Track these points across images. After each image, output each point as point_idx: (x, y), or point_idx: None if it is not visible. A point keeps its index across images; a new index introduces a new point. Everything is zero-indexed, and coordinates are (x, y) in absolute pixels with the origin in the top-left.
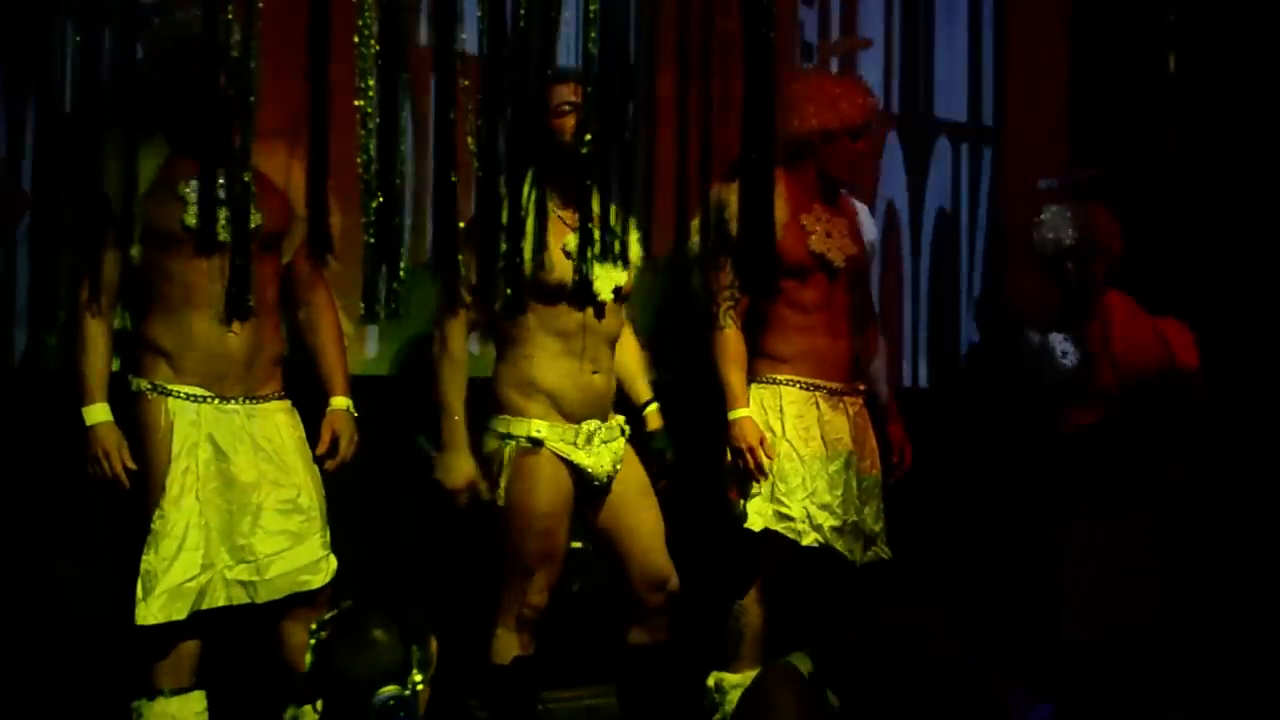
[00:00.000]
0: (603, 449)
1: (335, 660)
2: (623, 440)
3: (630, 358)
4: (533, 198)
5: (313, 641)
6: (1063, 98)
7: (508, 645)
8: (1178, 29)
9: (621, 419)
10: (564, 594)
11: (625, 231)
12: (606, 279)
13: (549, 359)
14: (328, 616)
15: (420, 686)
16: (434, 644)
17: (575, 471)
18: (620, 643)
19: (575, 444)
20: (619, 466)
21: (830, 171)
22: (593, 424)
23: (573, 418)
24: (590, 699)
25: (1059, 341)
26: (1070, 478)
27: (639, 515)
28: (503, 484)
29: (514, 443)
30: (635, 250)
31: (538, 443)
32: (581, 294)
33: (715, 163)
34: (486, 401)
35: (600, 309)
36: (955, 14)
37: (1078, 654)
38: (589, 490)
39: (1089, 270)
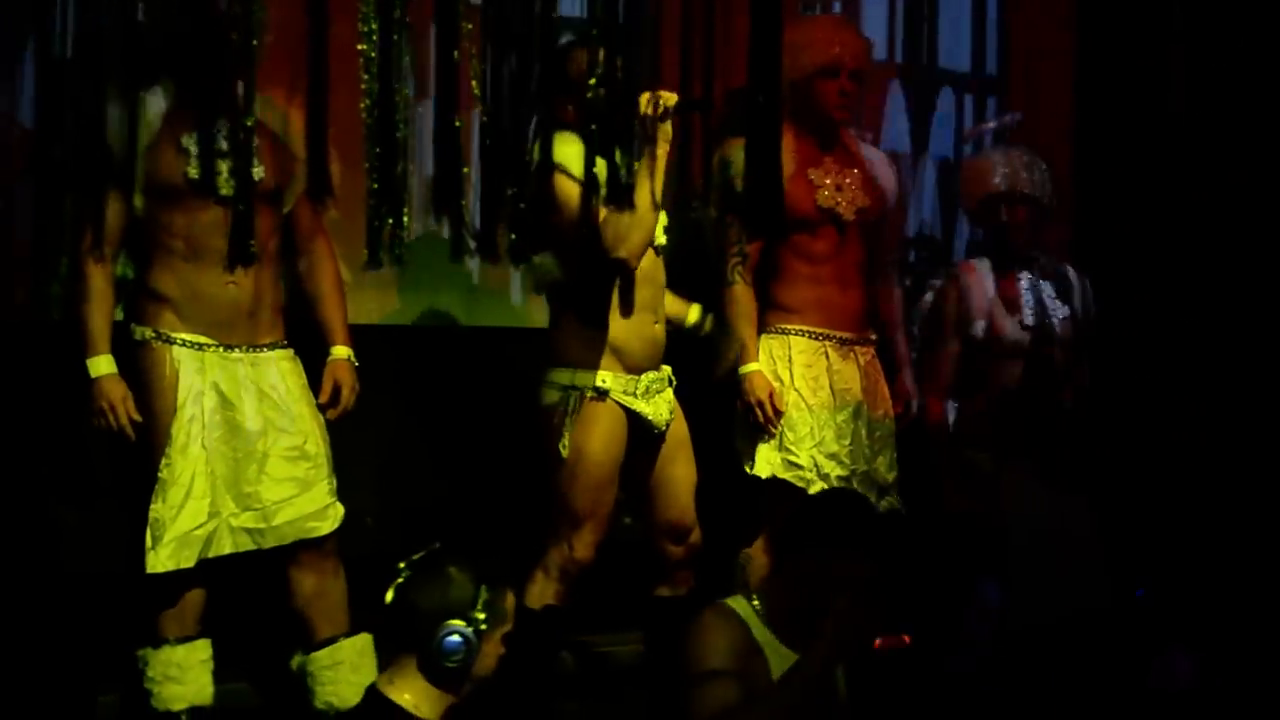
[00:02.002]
0: (659, 399)
1: (408, 593)
2: (670, 390)
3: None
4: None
5: (398, 580)
6: (1067, 47)
7: (544, 591)
8: None
9: (669, 369)
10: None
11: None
12: (659, 235)
13: (613, 312)
14: (415, 557)
15: (484, 626)
16: (510, 598)
17: (634, 422)
18: (646, 595)
19: (636, 394)
20: (673, 415)
21: (821, 113)
22: (651, 374)
23: (635, 369)
24: (614, 646)
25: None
26: (1005, 435)
27: (676, 468)
28: (566, 435)
29: (577, 393)
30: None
31: (603, 393)
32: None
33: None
34: (542, 353)
35: (658, 260)
36: None
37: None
38: (645, 439)
39: (1017, 218)
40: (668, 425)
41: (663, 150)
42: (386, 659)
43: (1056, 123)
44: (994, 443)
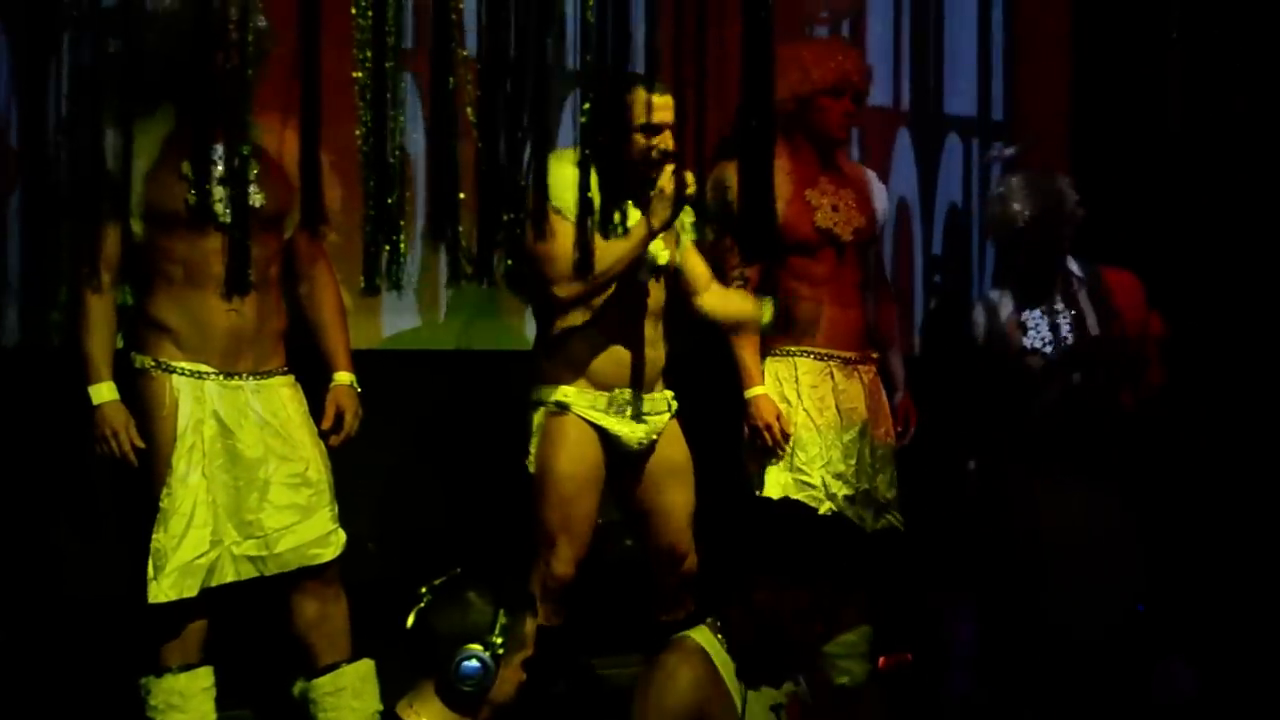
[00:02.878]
0: (637, 420)
1: (428, 617)
2: (668, 415)
3: None
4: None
5: (419, 605)
6: (1065, 91)
7: None
8: (1180, 19)
9: (669, 394)
10: (613, 553)
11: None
12: (661, 254)
13: (585, 330)
14: (437, 582)
15: (501, 650)
16: (530, 623)
17: (606, 438)
18: (649, 620)
19: (605, 410)
20: (656, 439)
21: (823, 132)
22: (627, 393)
23: (604, 385)
24: (621, 669)
25: (1032, 319)
26: (1043, 449)
27: (672, 496)
28: (533, 449)
29: (542, 408)
30: (689, 231)
31: (564, 407)
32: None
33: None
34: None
35: (643, 289)
36: (964, 9)
37: (1062, 626)
38: (624, 460)
39: (1052, 239)
40: (648, 447)
41: (659, 222)
42: (406, 684)
43: (1061, 167)
44: (1032, 455)
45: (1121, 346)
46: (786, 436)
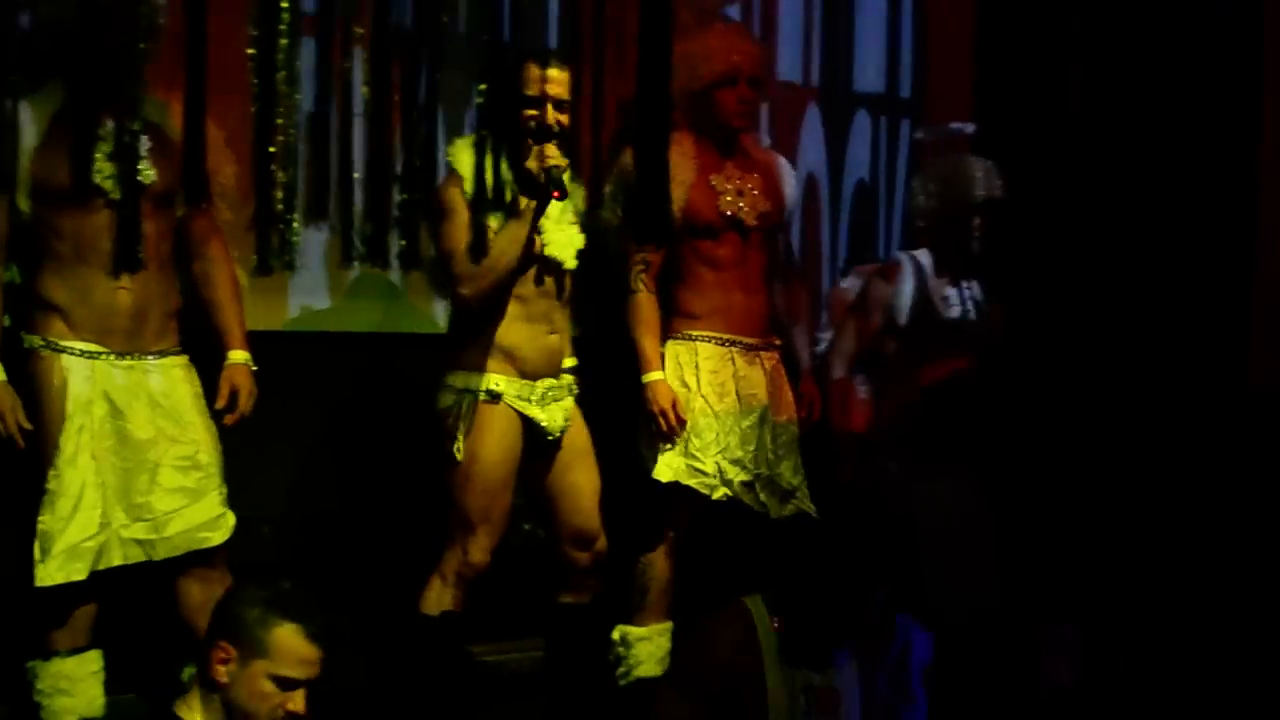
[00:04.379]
0: (554, 406)
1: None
2: (571, 399)
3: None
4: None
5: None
6: (971, 68)
7: (440, 598)
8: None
9: (571, 378)
10: (513, 535)
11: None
12: (570, 247)
13: (507, 319)
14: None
15: None
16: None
17: (529, 427)
18: (549, 602)
19: (530, 400)
20: (568, 423)
21: (721, 122)
22: (548, 381)
23: (529, 375)
24: (516, 654)
25: (952, 293)
26: (921, 437)
27: (578, 475)
28: (460, 438)
29: (471, 397)
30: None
31: (496, 396)
32: (546, 264)
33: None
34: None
35: (563, 277)
36: None
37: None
38: (539, 446)
39: (990, 225)
40: (562, 433)
41: (526, 205)
42: None
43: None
44: (912, 444)
45: (998, 335)
46: (682, 423)
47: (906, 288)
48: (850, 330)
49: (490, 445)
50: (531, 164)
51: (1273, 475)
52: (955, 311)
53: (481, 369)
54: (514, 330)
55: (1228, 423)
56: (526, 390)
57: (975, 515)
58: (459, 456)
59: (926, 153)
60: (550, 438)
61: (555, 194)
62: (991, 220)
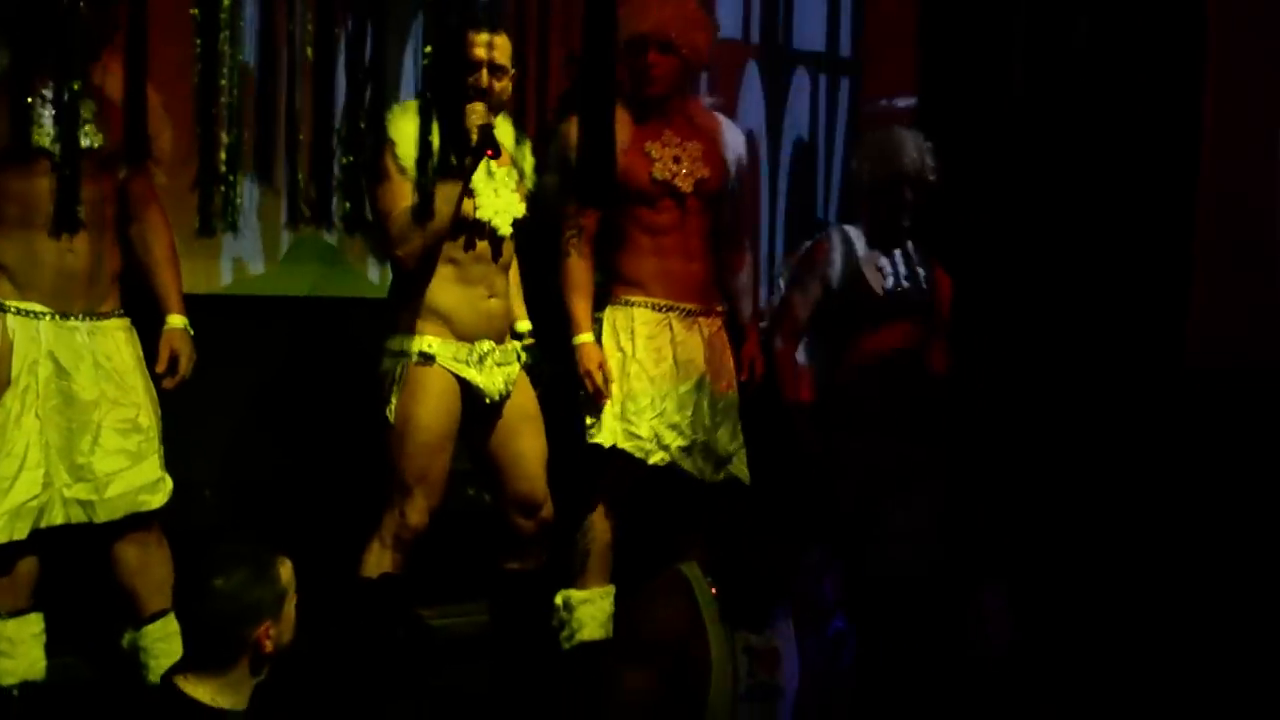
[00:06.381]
0: (495, 370)
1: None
2: (517, 365)
3: (513, 285)
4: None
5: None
6: (913, 28)
7: (380, 561)
8: None
9: (518, 344)
10: (456, 501)
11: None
12: (506, 213)
13: (442, 282)
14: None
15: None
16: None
17: (466, 390)
18: (495, 569)
19: (467, 362)
20: (511, 389)
21: (636, 87)
22: (486, 344)
23: (466, 337)
24: (461, 618)
25: (885, 264)
26: (861, 404)
27: (524, 441)
28: (394, 400)
29: (405, 359)
30: (530, 177)
31: (429, 358)
32: (480, 229)
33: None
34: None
35: (499, 242)
36: None
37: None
38: (478, 410)
39: (920, 198)
40: (504, 397)
41: (459, 163)
42: None
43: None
44: (859, 414)
45: (943, 308)
46: (609, 384)
47: (836, 259)
48: (791, 304)
49: (425, 407)
50: (469, 123)
51: (1205, 450)
52: (889, 282)
53: (415, 331)
54: (448, 292)
55: (1164, 400)
56: (463, 352)
57: (913, 481)
58: (391, 419)
59: (865, 124)
60: (489, 401)
61: (489, 152)
62: (922, 193)
